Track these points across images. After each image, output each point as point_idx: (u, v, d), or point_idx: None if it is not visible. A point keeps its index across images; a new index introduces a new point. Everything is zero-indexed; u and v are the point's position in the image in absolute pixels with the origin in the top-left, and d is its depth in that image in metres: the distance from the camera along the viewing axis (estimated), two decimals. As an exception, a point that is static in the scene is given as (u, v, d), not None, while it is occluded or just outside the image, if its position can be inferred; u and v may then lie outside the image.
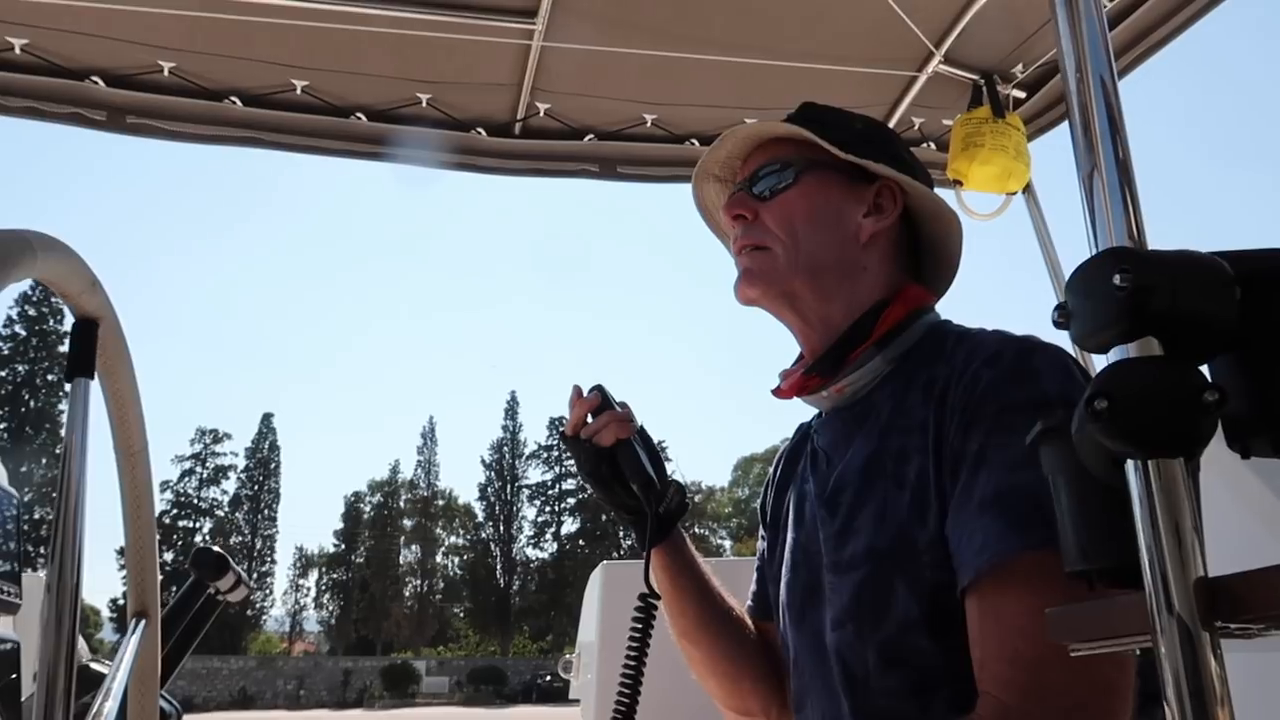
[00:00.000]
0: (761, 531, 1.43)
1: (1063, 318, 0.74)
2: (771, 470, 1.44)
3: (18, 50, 2.26)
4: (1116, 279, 0.68)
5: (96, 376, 0.96)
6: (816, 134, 1.24)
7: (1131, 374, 0.68)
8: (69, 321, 0.96)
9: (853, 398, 1.22)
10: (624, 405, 1.38)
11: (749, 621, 1.43)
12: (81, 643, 1.25)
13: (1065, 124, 2.63)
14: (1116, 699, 0.92)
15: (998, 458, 1.00)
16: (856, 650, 1.11)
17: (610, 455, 1.35)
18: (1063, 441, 0.77)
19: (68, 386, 0.93)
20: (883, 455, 1.14)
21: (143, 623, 1.14)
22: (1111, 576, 0.74)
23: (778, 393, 1.28)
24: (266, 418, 67.20)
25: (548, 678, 48.31)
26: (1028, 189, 2.50)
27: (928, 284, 1.30)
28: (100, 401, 1.01)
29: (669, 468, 1.39)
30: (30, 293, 56.46)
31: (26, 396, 56.03)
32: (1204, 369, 0.71)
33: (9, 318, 57.53)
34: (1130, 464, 0.68)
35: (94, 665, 1.51)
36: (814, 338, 1.26)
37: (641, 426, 1.37)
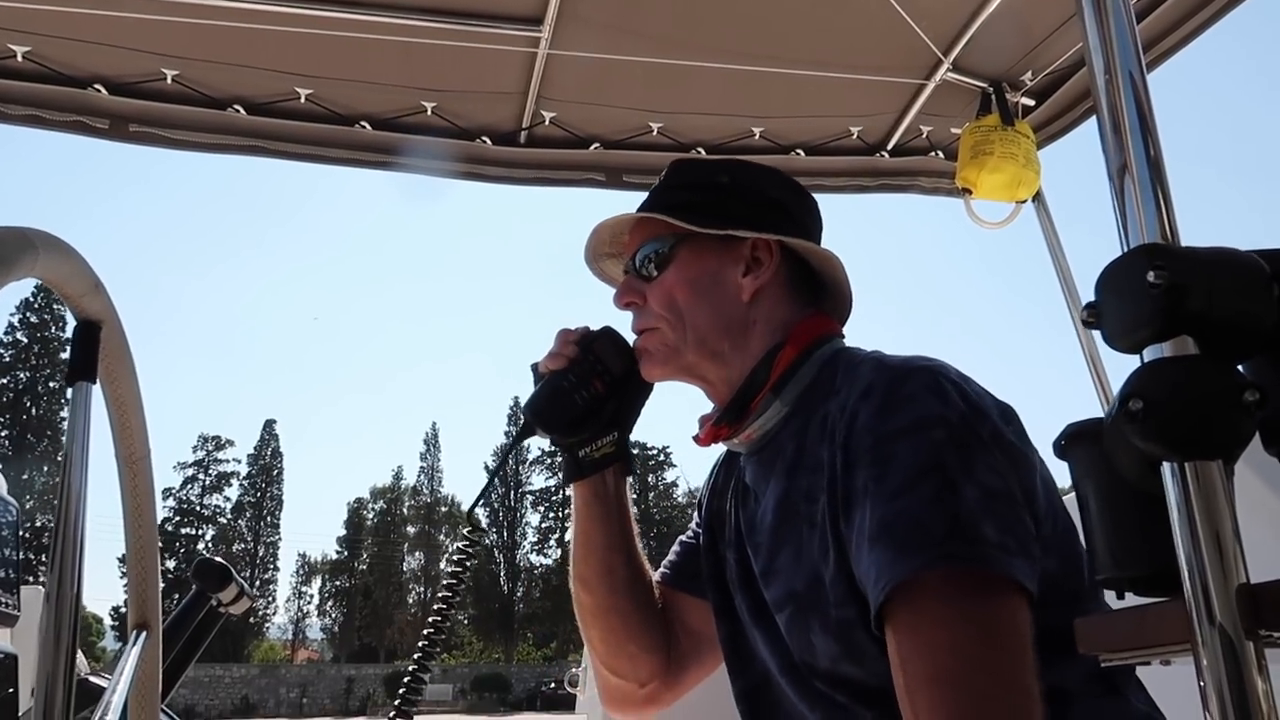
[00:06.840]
0: (696, 517, 1.45)
1: (1092, 317, 0.71)
2: (711, 474, 1.44)
3: (20, 58, 2.25)
4: (1150, 276, 0.66)
5: (98, 381, 0.94)
6: (681, 207, 1.26)
7: (1168, 374, 0.66)
8: (71, 327, 0.94)
9: (762, 441, 1.24)
10: (618, 349, 1.34)
11: (656, 592, 1.42)
12: (80, 656, 1.23)
13: (1074, 132, 2.55)
14: (1033, 701, 0.92)
15: (878, 489, 1.02)
16: (802, 675, 1.15)
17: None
18: (1091, 447, 0.74)
19: (69, 392, 0.90)
20: (793, 495, 1.16)
21: (143, 635, 1.11)
22: (1144, 585, 0.72)
23: (697, 440, 1.30)
24: (269, 424, 67.33)
25: (552, 685, 48.07)
26: (1038, 197, 2.48)
27: (830, 310, 1.31)
28: (102, 407, 0.99)
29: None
30: (32, 299, 56.52)
31: (28, 403, 56.02)
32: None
33: (10, 324, 57.61)
34: (1166, 468, 0.66)
35: (93, 679, 1.48)
36: (718, 395, 1.28)
37: (619, 373, 1.32)
